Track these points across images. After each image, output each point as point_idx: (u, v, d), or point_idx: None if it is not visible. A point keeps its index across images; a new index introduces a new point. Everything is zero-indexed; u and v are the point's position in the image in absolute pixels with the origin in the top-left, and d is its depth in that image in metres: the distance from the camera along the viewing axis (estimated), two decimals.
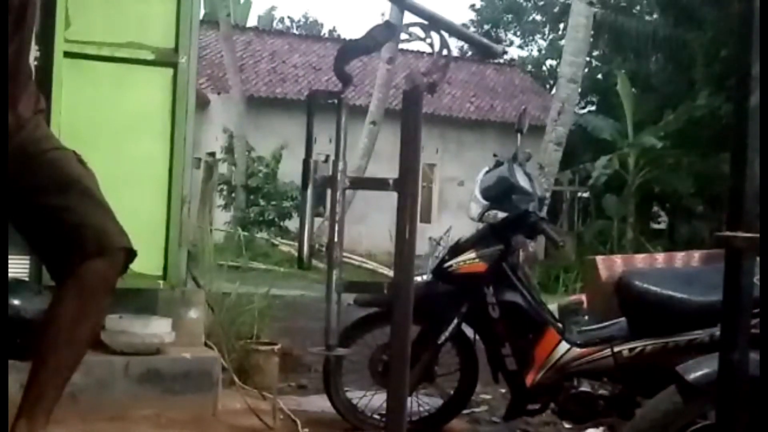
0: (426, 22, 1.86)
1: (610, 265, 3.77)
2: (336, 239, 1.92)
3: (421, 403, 3.93)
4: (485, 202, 3.76)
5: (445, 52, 1.87)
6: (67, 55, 3.76)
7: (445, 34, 1.87)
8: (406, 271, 1.80)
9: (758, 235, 1.69)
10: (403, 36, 1.90)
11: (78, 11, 3.78)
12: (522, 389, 3.63)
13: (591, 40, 15.13)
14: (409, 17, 1.87)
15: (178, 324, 3.85)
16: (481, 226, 3.85)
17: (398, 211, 1.81)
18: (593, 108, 26.40)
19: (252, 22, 26.49)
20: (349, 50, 1.96)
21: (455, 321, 3.70)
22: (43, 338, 2.03)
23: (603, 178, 18.54)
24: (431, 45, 1.86)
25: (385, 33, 1.92)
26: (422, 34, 1.86)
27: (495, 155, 4.16)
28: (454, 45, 26.60)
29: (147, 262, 3.80)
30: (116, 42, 3.86)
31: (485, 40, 2.18)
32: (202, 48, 19.58)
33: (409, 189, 1.81)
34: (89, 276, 1.99)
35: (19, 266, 3.71)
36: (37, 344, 2.03)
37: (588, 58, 18.74)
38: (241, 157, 18.66)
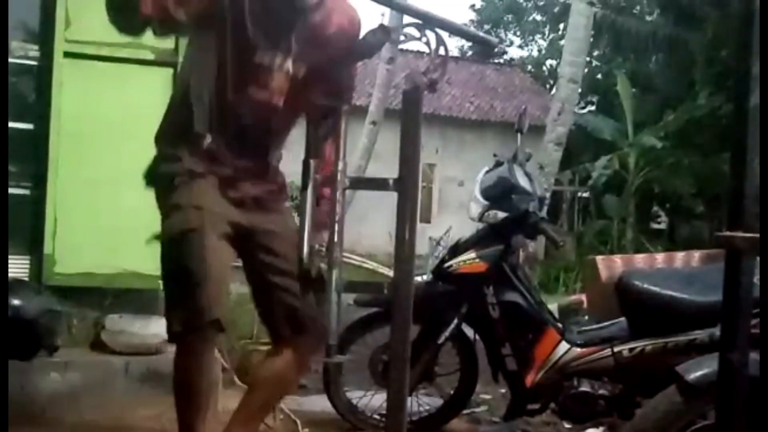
0: (420, 22, 1.86)
1: (610, 265, 3.78)
2: (336, 239, 1.92)
3: (421, 403, 3.93)
4: (485, 202, 3.76)
5: (441, 49, 1.87)
6: (67, 55, 3.77)
7: (441, 31, 1.86)
8: (406, 271, 1.80)
9: (758, 235, 1.69)
10: (400, 37, 1.90)
11: (78, 11, 3.78)
12: (522, 389, 3.63)
13: (591, 40, 15.11)
14: (407, 17, 1.87)
15: None
16: (481, 226, 3.85)
17: (398, 211, 1.81)
18: (593, 108, 26.39)
19: None
20: None
21: (455, 321, 3.70)
22: None
23: (603, 178, 18.53)
24: (427, 44, 1.86)
25: (380, 37, 1.92)
26: (417, 34, 1.86)
27: (495, 155, 4.14)
28: (454, 45, 26.29)
29: (147, 262, 3.79)
30: (116, 42, 3.83)
31: (480, 33, 2.20)
32: None
33: (409, 189, 1.81)
34: None
35: (19, 266, 3.71)
36: None
37: (588, 58, 18.72)
38: None
